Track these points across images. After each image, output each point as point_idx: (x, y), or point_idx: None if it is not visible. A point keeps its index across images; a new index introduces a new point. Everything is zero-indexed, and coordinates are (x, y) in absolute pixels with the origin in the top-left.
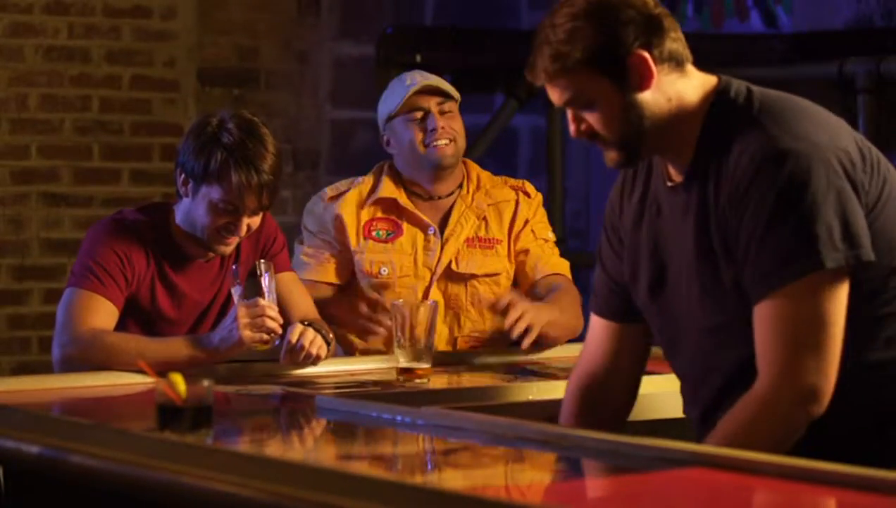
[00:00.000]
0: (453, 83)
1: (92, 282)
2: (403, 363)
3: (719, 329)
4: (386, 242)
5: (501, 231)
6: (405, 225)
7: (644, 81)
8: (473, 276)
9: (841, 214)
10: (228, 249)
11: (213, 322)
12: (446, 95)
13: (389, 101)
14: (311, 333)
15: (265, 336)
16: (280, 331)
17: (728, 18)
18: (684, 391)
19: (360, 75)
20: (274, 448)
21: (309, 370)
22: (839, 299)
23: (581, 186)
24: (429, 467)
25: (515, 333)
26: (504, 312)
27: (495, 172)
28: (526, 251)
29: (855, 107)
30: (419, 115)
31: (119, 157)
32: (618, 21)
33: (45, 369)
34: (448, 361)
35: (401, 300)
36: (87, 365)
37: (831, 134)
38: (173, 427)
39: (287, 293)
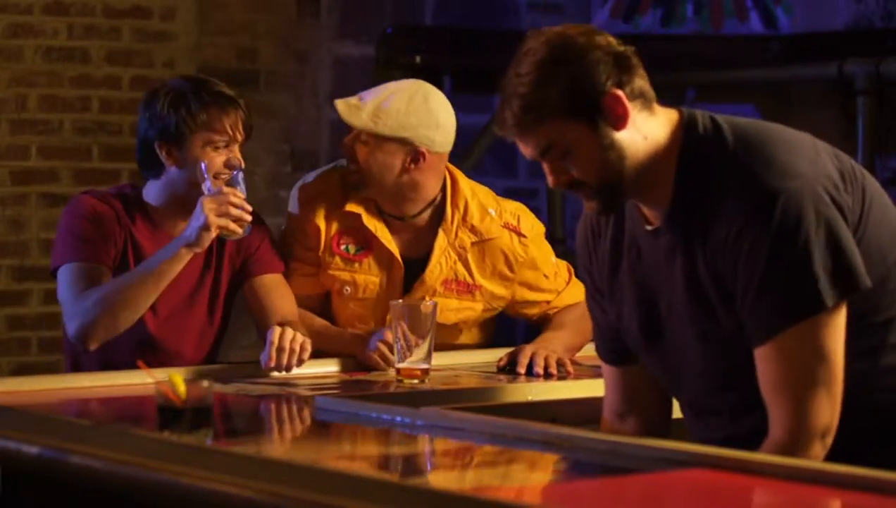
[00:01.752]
0: (453, 83)
1: (74, 252)
2: (402, 363)
3: (719, 373)
4: (353, 259)
5: (484, 276)
6: (375, 244)
7: (620, 120)
8: (444, 325)
9: (834, 246)
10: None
11: (207, 308)
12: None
13: None
14: (290, 331)
15: (231, 223)
16: (248, 218)
17: (727, 19)
18: (692, 423)
19: (360, 76)
20: (273, 449)
21: (308, 371)
22: (839, 333)
23: None
24: (428, 467)
25: (538, 369)
26: (510, 365)
27: (495, 174)
28: (550, 306)
29: (854, 108)
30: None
31: (119, 158)
32: (587, 63)
33: (44, 369)
34: (447, 361)
35: (400, 301)
36: (100, 330)
37: (811, 160)
38: (173, 428)
39: (266, 294)
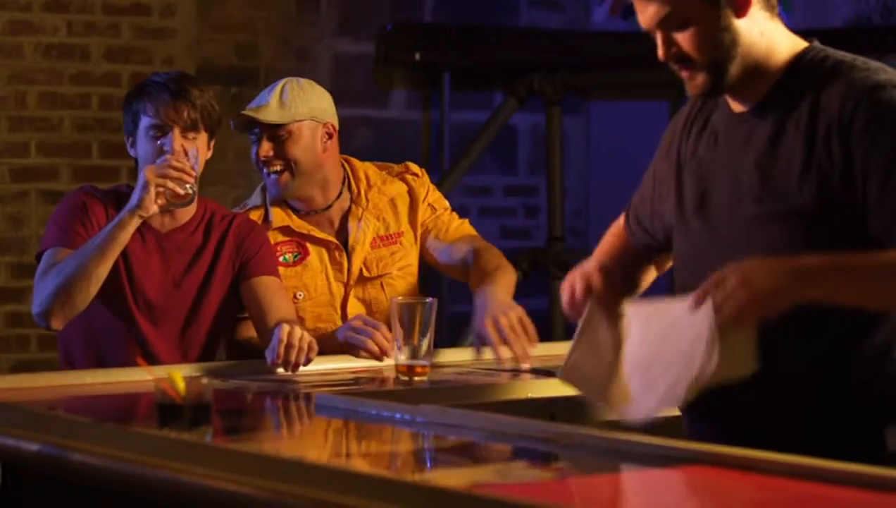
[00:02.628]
0: (452, 81)
1: (54, 240)
2: (402, 360)
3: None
4: (295, 265)
5: (401, 223)
6: (308, 245)
7: (742, 7)
8: (387, 274)
9: None
10: (170, 181)
11: (191, 303)
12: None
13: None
14: (298, 330)
15: (169, 181)
16: (189, 178)
17: None
18: None
19: (360, 73)
20: (273, 446)
21: (307, 368)
22: None
23: (581, 186)
24: (428, 465)
25: (526, 353)
26: (483, 341)
27: (495, 172)
28: (426, 228)
29: None
30: (253, 137)
31: (118, 155)
32: None
33: (44, 366)
34: (447, 358)
35: (400, 298)
36: (56, 303)
37: None
38: (173, 425)
39: (267, 294)
